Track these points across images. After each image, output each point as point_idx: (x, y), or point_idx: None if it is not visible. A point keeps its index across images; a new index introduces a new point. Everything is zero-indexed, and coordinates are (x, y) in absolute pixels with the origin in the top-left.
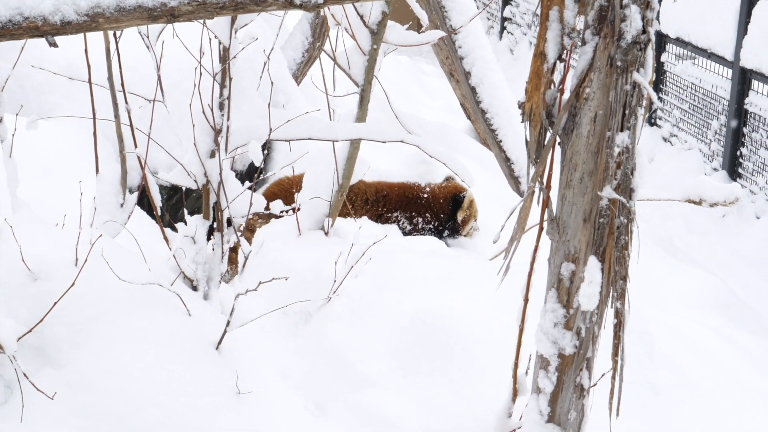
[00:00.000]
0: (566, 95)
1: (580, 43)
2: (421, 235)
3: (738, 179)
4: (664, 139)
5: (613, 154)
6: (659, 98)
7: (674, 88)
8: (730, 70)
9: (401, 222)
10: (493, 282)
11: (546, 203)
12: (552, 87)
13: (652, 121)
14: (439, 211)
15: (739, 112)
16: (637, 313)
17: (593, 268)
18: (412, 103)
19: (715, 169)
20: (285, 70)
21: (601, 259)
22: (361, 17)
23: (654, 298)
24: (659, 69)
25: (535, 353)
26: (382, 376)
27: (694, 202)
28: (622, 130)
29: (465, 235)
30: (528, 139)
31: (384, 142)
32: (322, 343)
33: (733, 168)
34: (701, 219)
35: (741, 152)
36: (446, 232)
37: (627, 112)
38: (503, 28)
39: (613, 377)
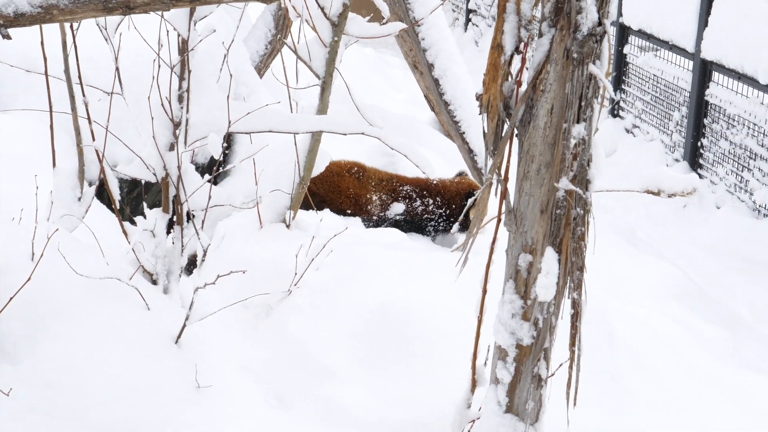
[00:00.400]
0: (523, 87)
1: (536, 35)
2: (432, 221)
3: (699, 170)
4: (627, 131)
5: (569, 145)
6: (622, 90)
7: (636, 80)
8: (691, 62)
9: (414, 200)
10: (454, 273)
11: (504, 195)
12: (509, 79)
13: (615, 112)
14: (450, 201)
15: (699, 103)
16: (596, 303)
17: (550, 259)
18: (376, 95)
19: (677, 160)
20: (247, 63)
21: (558, 250)
22: (322, 9)
23: (615, 288)
24: (622, 61)
25: (494, 344)
26: (342, 368)
27: (653, 193)
28: (578, 122)
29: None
30: (486, 131)
31: (345, 135)
32: (282, 335)
33: (694, 159)
34: (662, 209)
35: (702, 143)
36: (458, 227)
37: (583, 103)
38: (468, 20)
39: (571, 367)
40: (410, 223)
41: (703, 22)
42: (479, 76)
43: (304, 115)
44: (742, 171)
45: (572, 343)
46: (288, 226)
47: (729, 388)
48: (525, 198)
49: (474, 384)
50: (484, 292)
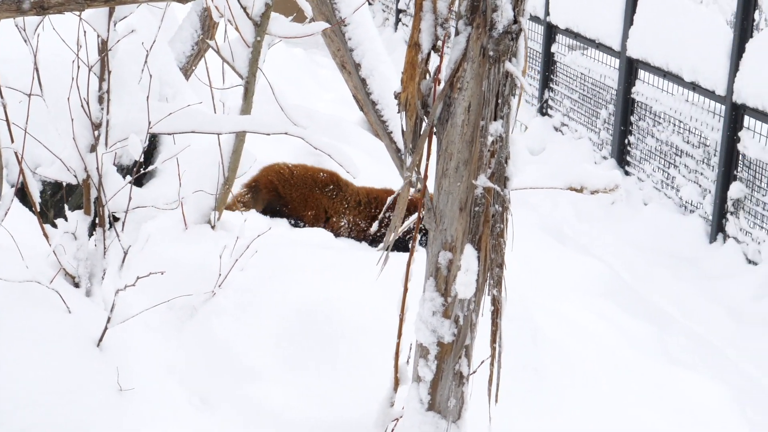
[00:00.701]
0: (441, 85)
1: (453, 34)
2: (409, 238)
3: (626, 167)
4: (555, 129)
5: (487, 143)
6: (550, 88)
7: (564, 78)
8: (618, 60)
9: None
10: (376, 272)
11: (423, 193)
12: (427, 77)
13: (544, 111)
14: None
15: (626, 101)
16: (520, 299)
17: (469, 257)
18: (305, 95)
19: (605, 158)
20: (172, 64)
21: (477, 247)
22: (244, 9)
23: (542, 285)
24: (549, 59)
25: (415, 342)
26: (267, 368)
27: (576, 190)
28: (495, 119)
29: None
30: (404, 129)
31: (268, 135)
32: (207, 337)
33: (621, 156)
34: (591, 206)
35: (629, 140)
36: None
37: (500, 101)
38: (398, 20)
39: (492, 364)
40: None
41: (629, 21)
42: None
43: (227, 116)
44: (669, 168)
45: (493, 340)
46: (213, 227)
47: (655, 383)
48: (444, 196)
49: (397, 382)
50: (405, 290)
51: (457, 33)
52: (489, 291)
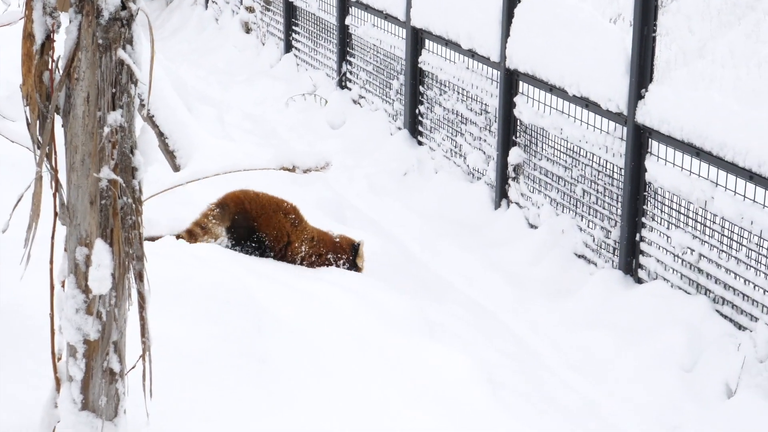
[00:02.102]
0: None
1: (68, 23)
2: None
3: (419, 137)
4: (354, 101)
5: (105, 134)
6: (348, 61)
7: (360, 51)
8: (404, 30)
9: (331, 263)
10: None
11: (57, 187)
12: (50, 68)
13: (343, 84)
14: (346, 255)
15: (414, 71)
16: (243, 287)
17: (101, 251)
18: None
19: (399, 128)
20: None
21: (108, 241)
22: None
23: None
24: (345, 32)
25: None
26: None
27: (289, 170)
28: (114, 109)
29: None
30: (29, 123)
31: None
32: None
33: (414, 126)
34: (384, 179)
35: (419, 110)
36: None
37: (116, 90)
38: None
39: (144, 358)
40: None
41: None
42: (218, 54)
43: None
44: (456, 136)
45: (142, 334)
46: None
47: (402, 361)
48: (74, 190)
49: (58, 383)
50: (52, 287)
51: (70, 21)
52: (129, 285)
